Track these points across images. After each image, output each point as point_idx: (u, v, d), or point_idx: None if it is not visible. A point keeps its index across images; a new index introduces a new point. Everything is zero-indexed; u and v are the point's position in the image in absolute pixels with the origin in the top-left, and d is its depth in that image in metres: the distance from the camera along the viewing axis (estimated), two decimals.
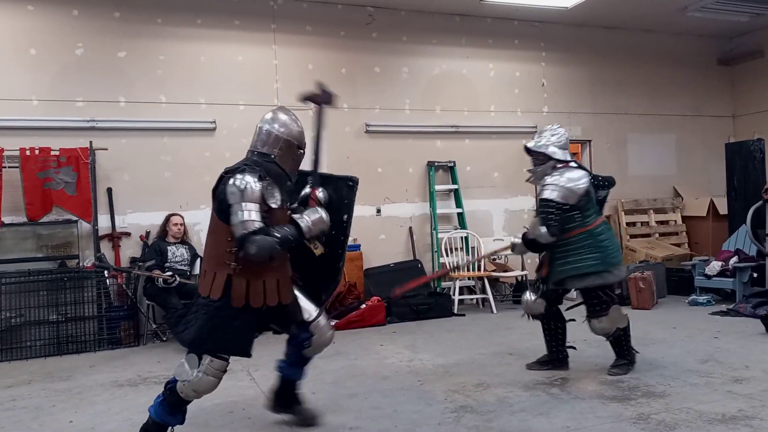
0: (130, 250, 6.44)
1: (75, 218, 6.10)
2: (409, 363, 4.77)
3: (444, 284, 7.49)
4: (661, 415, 3.34)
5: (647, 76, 8.95)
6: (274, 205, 3.06)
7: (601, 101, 8.66)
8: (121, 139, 6.47)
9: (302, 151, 3.34)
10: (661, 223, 8.83)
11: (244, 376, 4.57)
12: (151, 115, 6.58)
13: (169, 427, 3.12)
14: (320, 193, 3.42)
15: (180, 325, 3.15)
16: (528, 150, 4.25)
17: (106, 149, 6.27)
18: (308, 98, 3.66)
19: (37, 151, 5.93)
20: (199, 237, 6.67)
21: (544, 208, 4.01)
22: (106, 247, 6.30)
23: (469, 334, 5.85)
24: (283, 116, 3.29)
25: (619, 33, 8.79)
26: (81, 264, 6.13)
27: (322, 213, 3.23)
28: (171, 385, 3.06)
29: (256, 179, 2.97)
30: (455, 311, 6.85)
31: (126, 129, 6.49)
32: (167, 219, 6.21)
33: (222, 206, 3.01)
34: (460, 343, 5.42)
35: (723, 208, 8.28)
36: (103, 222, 6.31)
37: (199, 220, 6.67)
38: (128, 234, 6.43)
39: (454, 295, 6.99)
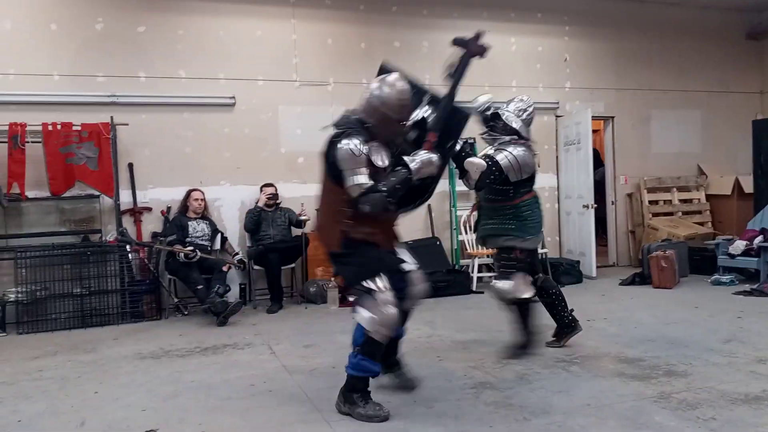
0: (152, 224, 6.49)
1: (97, 193, 6.16)
2: (428, 339, 4.78)
3: (463, 262, 7.47)
4: (682, 394, 3.32)
5: (673, 51, 8.75)
6: (380, 164, 3.19)
7: (625, 77, 8.49)
8: (142, 114, 6.49)
9: (404, 123, 3.35)
10: (685, 201, 8.70)
11: (265, 350, 4.61)
12: (171, 91, 6.58)
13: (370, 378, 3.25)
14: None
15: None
16: (495, 114, 4.39)
17: (127, 124, 6.30)
18: (460, 43, 3.76)
19: (59, 127, 5.98)
20: (219, 212, 6.73)
21: (490, 165, 4.08)
22: (127, 222, 6.36)
23: (488, 311, 5.82)
24: (387, 89, 3.24)
25: (644, 6, 8.57)
26: (103, 238, 6.20)
27: (433, 156, 3.28)
28: (361, 340, 3.18)
29: (361, 142, 3.11)
30: (474, 289, 6.84)
31: (146, 104, 6.51)
32: (188, 194, 6.26)
33: (333, 169, 3.19)
34: (479, 321, 5.41)
35: (748, 187, 8.12)
36: (125, 197, 6.37)
37: (219, 195, 6.72)
38: (149, 209, 6.49)
39: (472, 272, 6.97)
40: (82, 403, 3.52)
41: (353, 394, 3.20)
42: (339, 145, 3.13)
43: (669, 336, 4.53)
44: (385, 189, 3.11)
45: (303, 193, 6.99)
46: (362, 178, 3.09)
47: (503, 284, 4.17)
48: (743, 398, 3.19)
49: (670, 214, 8.52)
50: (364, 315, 3.18)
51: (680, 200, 8.67)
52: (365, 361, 3.17)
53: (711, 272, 7.03)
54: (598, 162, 9.04)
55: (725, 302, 5.71)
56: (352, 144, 3.09)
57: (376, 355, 3.21)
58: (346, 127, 3.23)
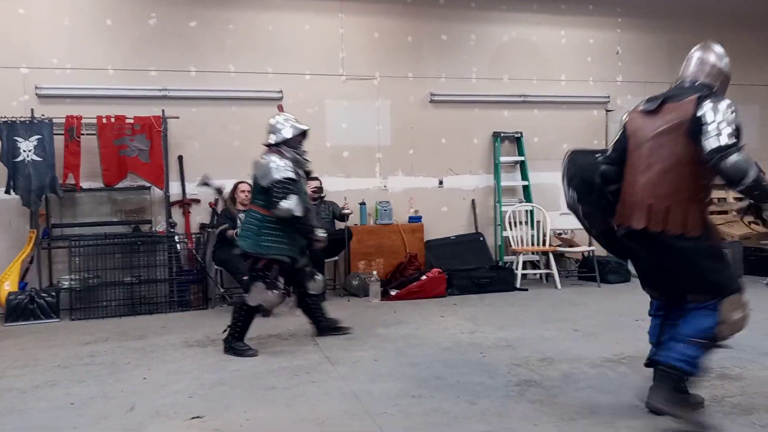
0: (200, 216, 6.63)
1: (148, 184, 6.32)
2: (471, 335, 4.74)
3: (507, 258, 7.38)
4: (736, 398, 3.19)
5: (729, 43, 8.21)
6: None
7: (679, 70, 8.20)
8: (192, 108, 6.62)
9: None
10: (740, 199, 8.33)
11: (308, 341, 4.66)
12: (220, 85, 6.70)
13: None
14: None
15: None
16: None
17: (178, 117, 6.44)
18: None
19: (113, 119, 6.15)
20: None
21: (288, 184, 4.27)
22: (176, 213, 6.51)
23: (532, 308, 5.75)
24: (726, 59, 3.14)
25: None
26: (153, 228, 6.36)
27: None
28: (710, 334, 2.83)
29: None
30: (518, 286, 6.75)
31: (196, 98, 6.64)
32: (235, 186, 6.35)
33: (693, 133, 2.82)
34: (523, 318, 5.33)
35: None
36: (174, 188, 6.52)
37: None
38: (198, 201, 6.63)
39: (517, 269, 6.87)
40: (131, 389, 3.62)
41: (682, 394, 2.89)
42: (722, 103, 2.80)
43: None
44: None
45: (347, 187, 7.04)
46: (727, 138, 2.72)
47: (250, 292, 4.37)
48: None
49: (725, 212, 8.21)
50: (732, 316, 2.81)
51: (735, 198, 8.34)
52: (702, 359, 2.84)
53: (767, 273, 6.76)
54: None
55: None
56: (729, 101, 2.82)
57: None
58: (703, 89, 2.93)
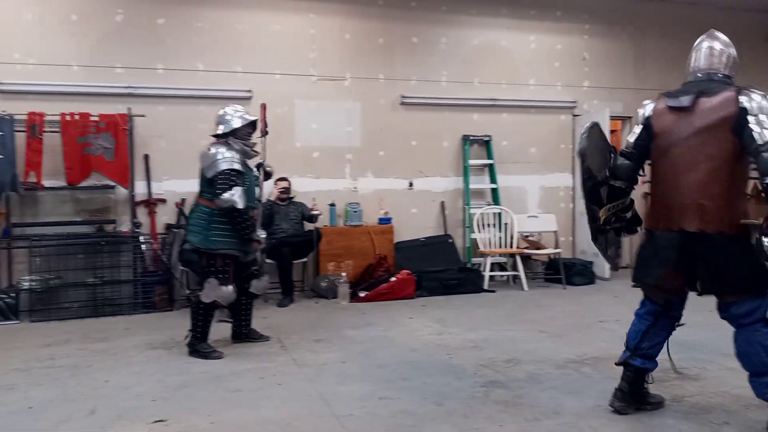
0: (166, 216, 6.53)
1: (113, 184, 6.20)
2: (439, 336, 4.76)
3: (475, 260, 7.43)
4: (695, 398, 3.28)
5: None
6: None
7: (645, 76, 8.38)
8: (159, 106, 6.51)
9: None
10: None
11: (275, 343, 4.62)
12: (188, 83, 6.61)
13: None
14: None
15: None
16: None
17: (144, 116, 6.33)
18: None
19: (77, 117, 6.02)
20: None
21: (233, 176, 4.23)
22: (142, 213, 6.40)
23: (499, 310, 5.81)
24: (725, 37, 3.12)
25: (664, 6, 8.46)
26: (118, 228, 6.24)
27: None
28: None
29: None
30: (485, 287, 6.80)
31: (164, 96, 6.54)
32: None
33: (738, 128, 2.78)
34: (491, 319, 5.38)
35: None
36: (140, 188, 6.41)
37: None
38: (164, 200, 6.52)
39: (484, 271, 6.93)
40: (92, 392, 3.55)
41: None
42: (758, 95, 2.78)
43: (682, 339, 4.42)
44: None
45: (317, 188, 7.01)
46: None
47: (202, 289, 4.34)
48: (758, 403, 3.12)
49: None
50: None
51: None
52: None
53: None
54: None
55: None
56: (763, 92, 2.80)
57: None
58: (732, 81, 2.95)
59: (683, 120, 2.92)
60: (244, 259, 4.44)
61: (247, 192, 4.35)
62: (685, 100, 2.94)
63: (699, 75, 3.02)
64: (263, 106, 4.85)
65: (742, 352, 2.87)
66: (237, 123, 4.39)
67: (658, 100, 3.09)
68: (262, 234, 4.50)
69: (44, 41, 6.20)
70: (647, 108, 3.12)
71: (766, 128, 2.71)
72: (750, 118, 2.75)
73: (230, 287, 4.29)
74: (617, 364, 3.17)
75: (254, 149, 4.52)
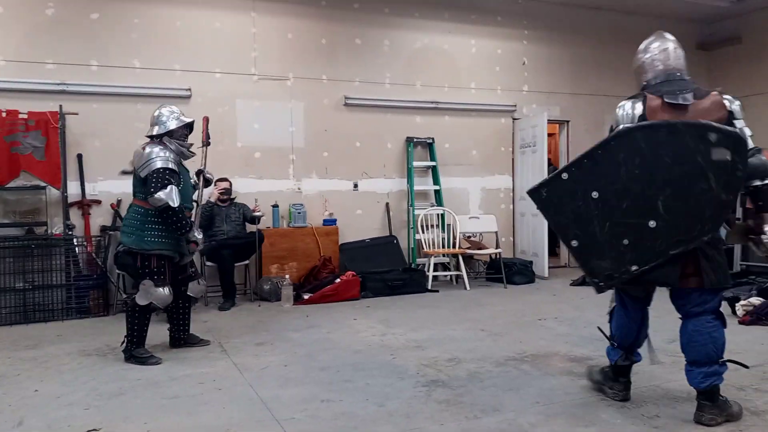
0: (101, 218, 6.30)
1: (43, 184, 5.94)
2: (382, 337, 4.78)
3: (419, 260, 7.50)
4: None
5: (627, 59, 8.79)
6: None
7: (581, 82, 8.67)
8: (93, 104, 6.29)
9: None
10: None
11: (215, 348, 4.53)
12: (124, 81, 6.41)
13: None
14: None
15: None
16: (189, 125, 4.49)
17: (77, 114, 6.10)
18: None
19: (4, 114, 5.74)
20: None
21: (167, 174, 4.13)
22: (75, 215, 6.16)
23: (442, 310, 5.87)
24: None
25: (601, 14, 8.77)
26: (49, 231, 5.99)
27: None
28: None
29: None
30: (429, 287, 6.87)
31: (98, 94, 6.32)
32: None
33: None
34: (433, 319, 5.44)
35: None
36: (73, 189, 6.17)
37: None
38: (98, 202, 6.30)
39: (428, 271, 7.00)
40: (20, 402, 3.39)
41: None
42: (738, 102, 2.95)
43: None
44: None
45: (259, 189, 6.93)
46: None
47: (137, 292, 4.19)
48: (686, 396, 3.28)
49: None
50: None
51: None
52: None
53: None
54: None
55: (670, 303, 5.86)
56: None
57: None
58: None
59: (680, 118, 2.88)
60: (180, 261, 4.34)
61: (183, 192, 4.24)
62: (687, 98, 2.92)
63: (678, 74, 3.05)
64: (205, 120, 4.82)
65: (690, 341, 2.96)
66: (173, 124, 4.30)
67: (644, 98, 3.02)
68: (199, 235, 4.37)
69: None
70: (638, 106, 3.02)
71: (747, 134, 2.84)
72: (737, 123, 2.86)
73: (166, 289, 4.17)
74: (618, 365, 3.27)
75: (190, 150, 4.43)
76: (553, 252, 8.55)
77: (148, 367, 4.03)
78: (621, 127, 2.91)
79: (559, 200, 2.89)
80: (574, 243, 2.90)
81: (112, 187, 6.34)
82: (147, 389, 3.57)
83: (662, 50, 3.16)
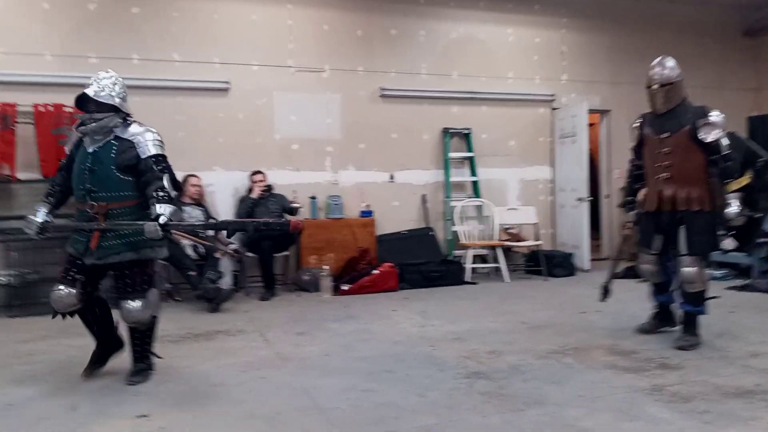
0: None
1: None
2: (421, 329, 4.78)
3: (456, 253, 7.46)
4: (676, 387, 3.32)
5: (669, 47, 8.57)
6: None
7: (622, 71, 8.46)
8: (134, 97, 6.25)
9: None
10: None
11: (257, 337, 4.59)
12: (164, 74, 6.51)
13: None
14: None
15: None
16: (85, 98, 3.50)
17: None
18: None
19: (50, 108, 5.89)
20: (212, 198, 6.68)
21: (164, 162, 3.51)
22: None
23: (481, 302, 5.84)
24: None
25: (642, 1, 8.55)
26: None
27: None
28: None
29: None
30: (467, 279, 6.83)
31: (139, 87, 6.35)
32: (185, 179, 6.22)
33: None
34: (472, 311, 5.41)
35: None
36: None
37: (212, 181, 6.67)
38: None
39: (466, 263, 6.96)
40: (73, 387, 3.49)
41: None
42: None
43: (663, 330, 4.54)
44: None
45: (296, 180, 6.98)
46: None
47: (138, 305, 3.51)
48: (736, 392, 3.20)
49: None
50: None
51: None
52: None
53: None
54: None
55: (721, 305, 5.71)
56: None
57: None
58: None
59: None
60: (90, 260, 3.46)
61: (76, 177, 3.52)
62: None
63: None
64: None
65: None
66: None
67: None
68: (38, 219, 3.62)
69: (15, 30, 6.06)
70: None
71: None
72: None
73: (61, 289, 3.47)
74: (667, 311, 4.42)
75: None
76: (594, 244, 8.40)
77: (195, 356, 4.09)
78: None
79: None
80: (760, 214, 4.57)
81: None
82: (193, 377, 3.64)
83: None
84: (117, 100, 3.54)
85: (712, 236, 4.10)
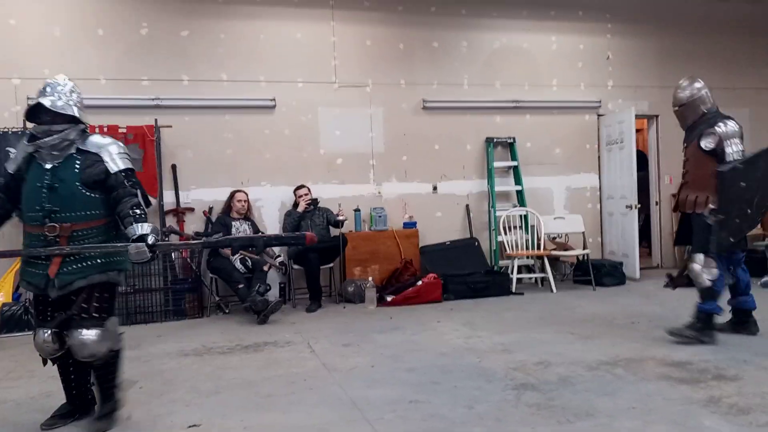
0: (194, 224, 6.62)
1: None
2: (467, 340, 4.74)
3: (502, 263, 7.39)
4: (733, 398, 3.20)
5: (720, 47, 8.49)
6: None
7: (670, 74, 8.22)
8: (185, 116, 6.61)
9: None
10: None
11: (304, 348, 4.65)
12: (212, 93, 6.70)
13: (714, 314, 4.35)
14: None
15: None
16: (38, 109, 3.10)
17: (171, 126, 6.44)
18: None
19: (105, 129, 6.14)
20: (260, 213, 6.81)
21: (134, 177, 3.18)
22: (170, 222, 6.50)
23: (528, 312, 5.76)
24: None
25: (689, 1, 8.35)
26: None
27: None
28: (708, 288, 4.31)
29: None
30: (513, 290, 6.75)
31: (189, 107, 6.64)
32: (232, 195, 6.39)
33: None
34: (519, 322, 5.34)
35: None
36: (168, 198, 6.52)
37: (259, 196, 6.81)
38: (192, 209, 6.61)
39: (512, 273, 6.88)
40: (128, 397, 3.59)
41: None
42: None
43: (721, 339, 4.39)
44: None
45: (341, 194, 7.05)
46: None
47: (92, 338, 3.01)
48: None
49: None
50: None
51: None
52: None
53: (761, 274, 6.79)
54: (642, 164, 8.78)
55: None
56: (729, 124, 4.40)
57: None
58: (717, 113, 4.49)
59: None
60: (53, 293, 3.01)
61: (30, 197, 3.05)
62: None
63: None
64: None
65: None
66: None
67: (732, 120, 4.40)
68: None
69: (72, 56, 6.35)
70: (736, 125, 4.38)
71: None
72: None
73: (40, 332, 3.08)
74: (713, 315, 4.41)
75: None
76: (644, 252, 8.20)
77: (243, 367, 4.17)
78: None
79: (731, 183, 4.19)
80: (721, 217, 4.19)
81: (204, 195, 6.65)
82: (242, 388, 3.71)
83: (707, 89, 4.52)
84: (75, 110, 3.13)
85: (706, 235, 4.34)
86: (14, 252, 3.33)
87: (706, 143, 4.33)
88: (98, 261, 3.05)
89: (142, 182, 6.27)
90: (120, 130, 6.19)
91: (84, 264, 3.01)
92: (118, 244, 3.05)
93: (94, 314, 3.02)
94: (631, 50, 8.17)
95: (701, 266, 4.32)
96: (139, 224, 3.02)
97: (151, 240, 2.99)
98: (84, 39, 6.40)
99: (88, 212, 3.06)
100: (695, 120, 4.51)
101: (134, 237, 2.99)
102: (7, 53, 6.18)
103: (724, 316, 4.58)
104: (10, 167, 3.15)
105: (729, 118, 4.41)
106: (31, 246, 3.05)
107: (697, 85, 4.51)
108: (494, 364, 4.04)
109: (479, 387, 3.57)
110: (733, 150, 4.27)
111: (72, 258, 3.00)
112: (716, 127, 4.32)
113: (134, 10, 6.52)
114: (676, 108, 4.64)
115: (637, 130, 7.89)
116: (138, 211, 3.05)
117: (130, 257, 2.98)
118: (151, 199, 6.22)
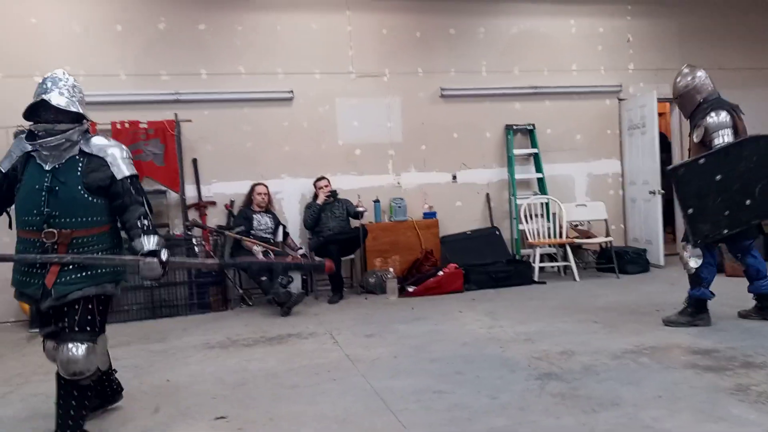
0: (216, 218, 6.67)
1: (164, 188, 6.38)
2: (490, 330, 4.73)
3: (523, 252, 7.35)
4: (762, 386, 3.16)
5: (744, 27, 8.28)
6: None
7: (693, 56, 8.02)
8: (204, 110, 6.65)
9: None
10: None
11: (327, 340, 4.68)
12: (231, 87, 6.73)
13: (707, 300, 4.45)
14: None
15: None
16: (39, 106, 2.91)
17: (191, 121, 6.48)
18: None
19: (126, 125, 6.21)
20: (280, 205, 6.84)
21: (138, 183, 3.01)
22: (193, 216, 6.56)
23: (551, 301, 5.73)
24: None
25: None
26: (171, 232, 6.41)
27: None
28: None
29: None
30: (535, 279, 6.71)
31: (208, 101, 6.67)
32: (252, 188, 6.42)
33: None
34: (542, 311, 5.31)
35: None
36: (190, 191, 6.57)
37: (280, 188, 6.84)
38: (213, 203, 6.67)
39: (534, 262, 6.84)
40: (155, 391, 3.66)
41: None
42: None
43: (744, 326, 4.34)
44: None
45: (360, 185, 7.04)
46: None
47: (78, 355, 2.81)
48: None
49: None
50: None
51: None
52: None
53: None
54: (665, 146, 8.65)
55: None
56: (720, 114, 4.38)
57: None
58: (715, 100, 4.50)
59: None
60: (46, 304, 2.86)
61: (27, 200, 2.86)
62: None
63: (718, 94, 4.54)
64: None
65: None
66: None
67: (726, 110, 4.39)
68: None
69: (92, 52, 6.40)
70: (728, 116, 4.38)
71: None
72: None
73: (48, 343, 3.04)
74: (704, 300, 4.48)
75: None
76: (669, 238, 8.09)
77: (268, 359, 4.21)
78: (750, 135, 4.27)
79: (690, 178, 4.12)
80: (690, 211, 4.12)
81: (225, 189, 6.69)
82: (268, 380, 3.75)
83: (706, 76, 4.56)
84: (79, 107, 2.90)
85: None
86: (16, 257, 2.93)
87: (695, 135, 4.45)
88: (97, 271, 2.86)
89: (164, 177, 6.44)
90: (141, 125, 6.25)
91: (83, 274, 2.82)
92: (126, 257, 2.92)
93: (85, 328, 2.84)
94: (651, 32, 8.02)
95: (689, 254, 4.43)
96: (148, 237, 2.88)
97: (164, 256, 2.86)
98: (103, 35, 6.45)
99: (90, 218, 2.86)
100: (692, 110, 4.57)
101: (143, 252, 2.86)
102: (28, 52, 6.25)
103: (749, 303, 4.53)
104: (4, 165, 2.94)
105: (723, 107, 4.38)
106: (24, 252, 2.85)
107: (698, 73, 4.55)
108: (517, 353, 4.03)
109: (502, 377, 3.57)
110: (722, 141, 4.27)
111: (70, 267, 2.81)
112: (707, 118, 4.35)
113: (152, 4, 6.56)
114: (675, 99, 4.73)
115: (660, 114, 7.75)
116: (146, 222, 2.89)
117: (141, 273, 2.84)
118: (173, 193, 6.37)
